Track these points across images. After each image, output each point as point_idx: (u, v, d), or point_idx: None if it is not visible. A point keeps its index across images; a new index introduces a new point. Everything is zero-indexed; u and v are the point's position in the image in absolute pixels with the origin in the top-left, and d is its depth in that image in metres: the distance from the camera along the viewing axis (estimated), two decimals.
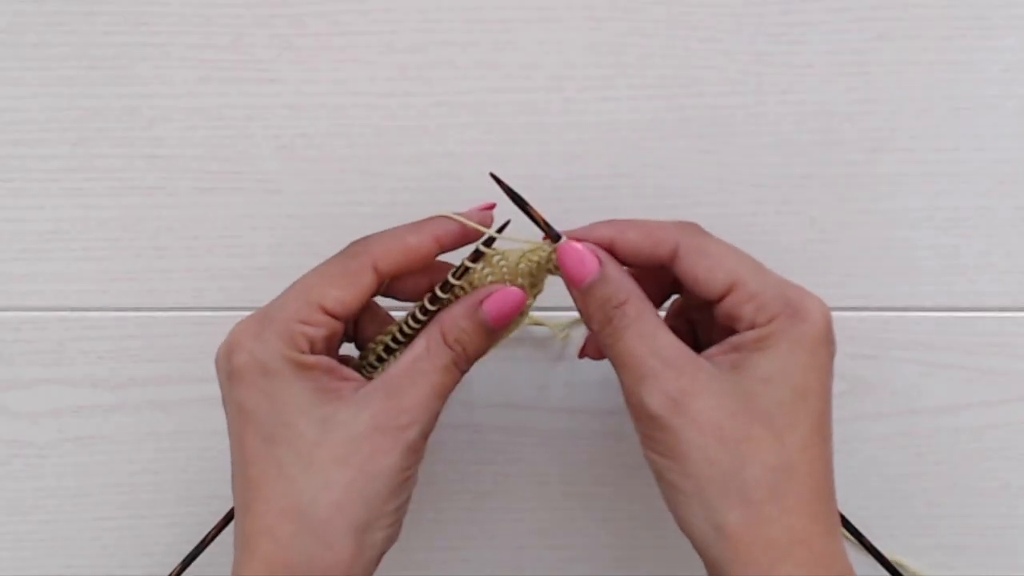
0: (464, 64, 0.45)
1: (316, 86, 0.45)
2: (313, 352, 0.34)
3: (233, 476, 0.35)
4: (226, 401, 0.35)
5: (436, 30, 0.45)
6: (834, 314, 0.34)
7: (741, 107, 0.45)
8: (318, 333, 0.34)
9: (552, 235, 0.36)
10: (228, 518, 0.40)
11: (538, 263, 0.36)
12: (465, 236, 0.36)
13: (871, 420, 0.47)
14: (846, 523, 0.42)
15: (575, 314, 0.45)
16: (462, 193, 0.46)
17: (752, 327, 0.33)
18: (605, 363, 0.47)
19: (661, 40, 0.45)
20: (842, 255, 0.46)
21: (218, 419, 0.47)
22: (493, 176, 0.37)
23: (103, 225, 0.46)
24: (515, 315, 0.36)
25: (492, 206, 0.37)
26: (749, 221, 0.45)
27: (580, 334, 0.46)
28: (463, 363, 0.36)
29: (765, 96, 0.45)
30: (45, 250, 0.46)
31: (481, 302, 0.35)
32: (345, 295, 0.34)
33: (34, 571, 0.48)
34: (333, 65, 0.45)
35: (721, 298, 0.34)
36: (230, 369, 0.34)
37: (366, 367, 0.37)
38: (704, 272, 0.34)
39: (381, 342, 0.37)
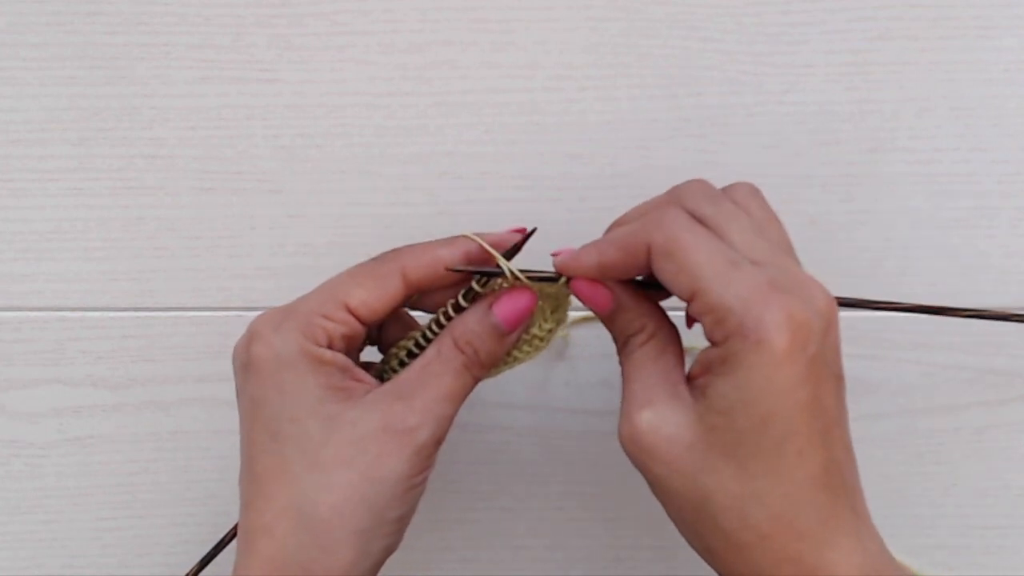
0: (464, 64, 0.45)
1: (316, 86, 0.45)
2: (331, 348, 0.34)
3: (240, 470, 0.35)
4: (239, 393, 0.35)
5: (436, 30, 0.45)
6: None
7: (741, 107, 0.45)
8: (337, 329, 0.34)
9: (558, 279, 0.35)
10: (228, 538, 0.39)
11: (555, 293, 0.36)
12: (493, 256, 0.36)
13: (871, 420, 0.47)
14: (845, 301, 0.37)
15: (575, 314, 0.46)
16: (462, 193, 0.46)
17: (713, 343, 0.31)
18: (605, 363, 0.47)
19: (661, 40, 0.45)
20: (842, 255, 0.46)
21: (218, 419, 0.47)
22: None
23: (103, 225, 0.46)
24: (526, 316, 0.35)
25: (523, 230, 0.36)
26: None
27: (580, 334, 0.46)
28: (475, 367, 0.35)
29: (765, 96, 0.45)
30: (45, 250, 0.46)
31: (491, 305, 0.35)
32: (369, 296, 0.34)
33: (34, 571, 0.48)
34: (333, 65, 0.45)
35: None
36: (247, 359, 0.34)
37: (387, 371, 0.37)
38: (669, 277, 0.31)
39: (404, 347, 0.37)
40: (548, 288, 0.36)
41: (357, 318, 0.34)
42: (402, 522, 0.34)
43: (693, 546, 0.33)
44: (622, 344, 0.35)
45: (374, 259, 0.36)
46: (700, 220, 0.33)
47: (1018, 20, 0.45)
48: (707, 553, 0.32)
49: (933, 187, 0.46)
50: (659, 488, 0.32)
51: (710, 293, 0.30)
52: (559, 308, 0.37)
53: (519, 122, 0.46)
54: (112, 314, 0.47)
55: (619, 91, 0.45)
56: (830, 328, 0.31)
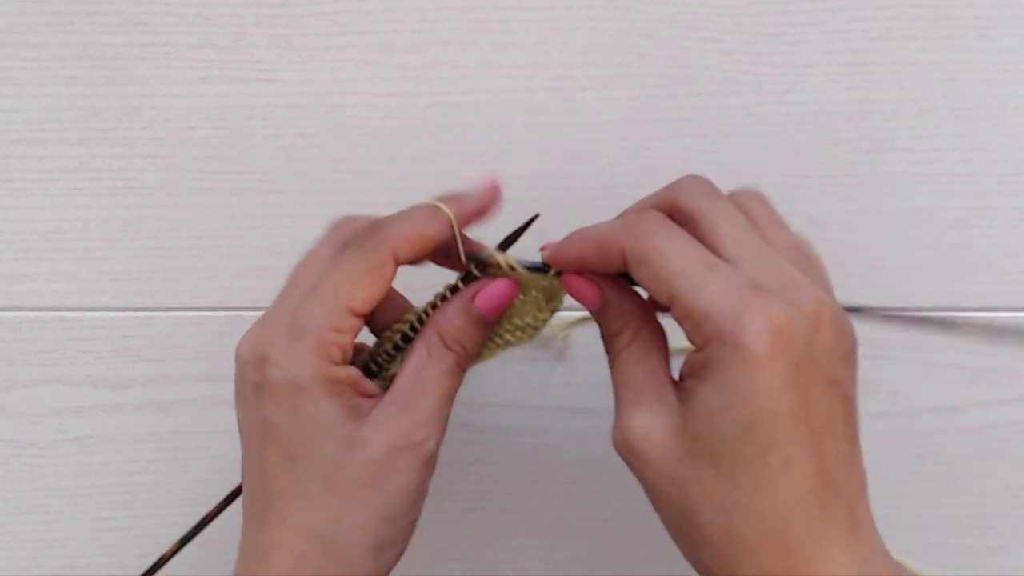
0: (464, 64, 0.45)
1: (316, 86, 0.45)
2: (344, 359, 0.34)
3: (248, 484, 0.34)
4: (247, 409, 0.34)
5: (436, 30, 0.45)
6: None
7: (741, 107, 0.45)
8: (348, 339, 0.33)
9: (546, 269, 0.35)
10: (233, 495, 0.38)
11: (549, 284, 0.36)
12: (476, 216, 0.35)
13: (871, 420, 0.46)
14: None
15: (575, 314, 0.46)
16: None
17: (695, 347, 0.30)
18: (605, 363, 0.47)
19: (661, 40, 0.45)
20: (842, 255, 0.46)
21: (218, 419, 0.47)
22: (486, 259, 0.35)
23: (103, 225, 0.46)
24: (508, 303, 0.35)
25: (494, 180, 0.36)
26: None
27: (580, 334, 0.46)
28: (465, 362, 0.35)
29: (765, 96, 0.45)
30: (45, 250, 0.46)
31: (473, 298, 0.35)
32: (370, 294, 0.34)
33: (34, 571, 0.48)
34: (333, 65, 0.45)
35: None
36: (262, 382, 0.33)
37: (380, 354, 0.37)
38: (647, 283, 0.31)
39: (399, 331, 0.36)
40: (542, 280, 0.36)
41: (361, 317, 0.34)
42: (412, 526, 0.35)
43: (684, 554, 0.33)
44: (607, 344, 0.34)
45: (360, 247, 0.34)
46: (690, 215, 0.32)
47: (1018, 20, 0.45)
48: (696, 564, 0.32)
49: (933, 187, 0.46)
50: (652, 494, 0.32)
51: (685, 299, 0.30)
52: (554, 298, 0.37)
53: (519, 122, 0.46)
54: (112, 314, 0.47)
55: (619, 91, 0.45)
56: (819, 330, 0.30)
